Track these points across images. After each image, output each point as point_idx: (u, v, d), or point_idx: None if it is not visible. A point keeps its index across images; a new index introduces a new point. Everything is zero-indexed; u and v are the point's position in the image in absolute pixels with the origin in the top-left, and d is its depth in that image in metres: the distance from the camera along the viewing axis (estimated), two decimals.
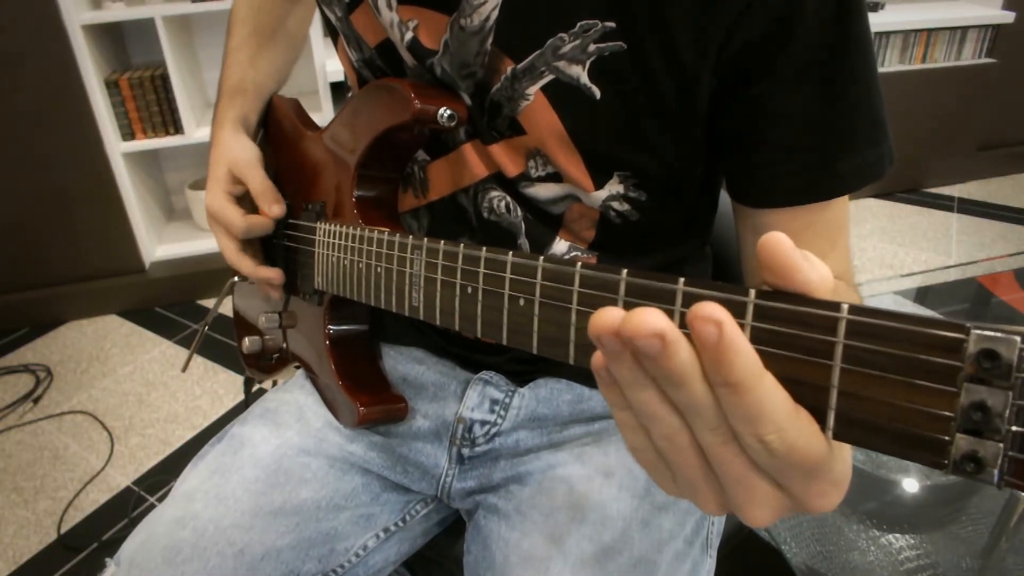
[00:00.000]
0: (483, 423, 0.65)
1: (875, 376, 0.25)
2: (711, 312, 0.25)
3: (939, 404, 0.24)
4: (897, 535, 1.30)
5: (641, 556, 0.56)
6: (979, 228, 2.55)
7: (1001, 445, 0.23)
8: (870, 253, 2.38)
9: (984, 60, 2.66)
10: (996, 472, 0.23)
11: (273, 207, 0.67)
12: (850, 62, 0.48)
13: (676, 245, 0.64)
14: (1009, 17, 2.59)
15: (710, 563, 0.62)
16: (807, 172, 0.50)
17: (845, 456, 0.29)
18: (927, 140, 2.69)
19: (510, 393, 0.65)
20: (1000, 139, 2.89)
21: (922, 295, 2.14)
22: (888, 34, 2.51)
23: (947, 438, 0.24)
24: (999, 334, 0.22)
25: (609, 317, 0.27)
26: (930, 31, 2.55)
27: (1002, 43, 2.65)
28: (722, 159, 0.55)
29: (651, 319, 0.25)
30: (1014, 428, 0.22)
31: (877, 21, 2.46)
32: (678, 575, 0.58)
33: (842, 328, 0.25)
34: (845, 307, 0.25)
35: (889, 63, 2.57)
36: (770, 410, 0.26)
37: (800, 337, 0.26)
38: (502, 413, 0.65)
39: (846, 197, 0.52)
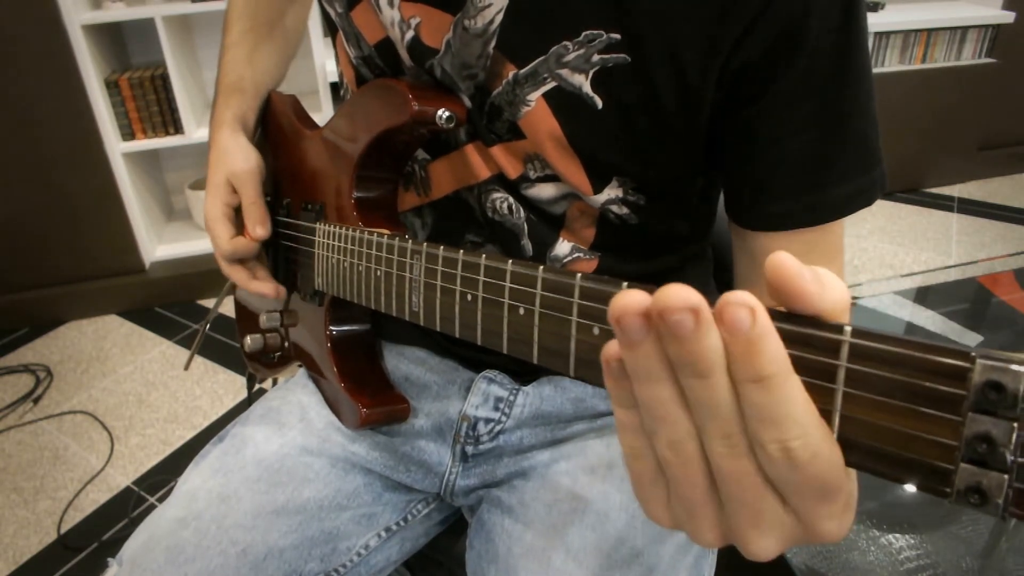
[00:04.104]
0: (487, 421, 0.65)
1: (878, 401, 0.24)
2: (744, 298, 0.23)
3: (943, 432, 0.23)
4: (897, 535, 1.30)
5: (643, 548, 0.56)
6: (979, 228, 2.55)
7: (1006, 477, 0.22)
8: (870, 253, 2.38)
9: (984, 60, 2.66)
10: (1000, 503, 0.22)
11: (257, 228, 0.66)
12: (848, 90, 0.48)
13: (676, 248, 0.65)
14: (1009, 17, 2.59)
15: (712, 558, 0.62)
16: (798, 198, 0.50)
17: (854, 477, 0.28)
18: (927, 140, 2.69)
19: (514, 391, 0.65)
20: (1000, 139, 2.89)
21: (922, 295, 2.14)
22: (888, 34, 2.51)
23: (951, 467, 0.23)
24: (1005, 365, 0.21)
25: (634, 297, 0.24)
26: (930, 31, 2.55)
27: (1002, 43, 2.65)
28: (719, 176, 0.55)
29: (686, 292, 0.23)
30: (1019, 459, 0.22)
31: (877, 21, 2.46)
32: (680, 567, 0.58)
33: (844, 351, 0.25)
34: (848, 329, 0.24)
35: (889, 63, 2.57)
36: (798, 411, 0.24)
37: (801, 359, 0.26)
38: (506, 411, 0.65)
39: (841, 220, 0.52)
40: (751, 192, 0.52)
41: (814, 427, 0.25)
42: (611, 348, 0.27)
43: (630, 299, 0.24)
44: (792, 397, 0.24)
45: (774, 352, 0.24)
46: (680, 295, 0.23)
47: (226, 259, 0.68)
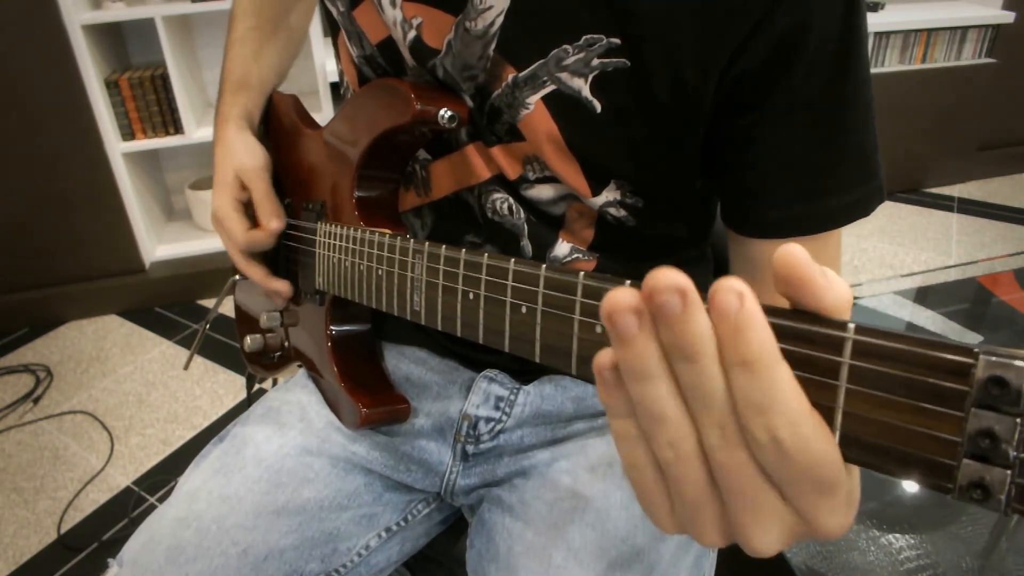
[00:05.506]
0: (488, 420, 0.65)
1: (881, 397, 0.24)
2: (733, 283, 0.24)
3: (946, 428, 0.23)
4: (897, 535, 1.30)
5: (644, 546, 0.56)
6: (979, 228, 2.55)
7: (1008, 472, 0.22)
8: (870, 253, 2.38)
9: (984, 60, 2.66)
10: (1003, 499, 0.22)
11: (272, 222, 0.66)
12: (846, 101, 0.48)
13: (675, 249, 0.65)
14: (1009, 17, 2.59)
15: (712, 557, 0.62)
16: (794, 207, 0.50)
17: (856, 474, 0.29)
18: (927, 140, 2.69)
19: (515, 390, 0.65)
20: (1000, 139, 2.89)
21: (922, 295, 2.15)
22: (888, 34, 2.51)
23: (954, 463, 0.23)
24: (1008, 361, 0.22)
25: (622, 294, 0.25)
26: (930, 31, 2.55)
27: (1002, 43, 2.65)
28: (715, 182, 0.55)
29: (674, 275, 0.24)
30: (1022, 455, 0.22)
31: (877, 21, 2.46)
32: (681, 565, 0.58)
33: (848, 348, 0.25)
34: (851, 326, 0.25)
35: (889, 63, 2.57)
36: (784, 398, 0.25)
37: (805, 355, 0.26)
38: (507, 410, 0.65)
39: (839, 229, 0.52)
40: (748, 199, 0.52)
41: (802, 417, 0.25)
42: (603, 357, 0.27)
43: (619, 296, 0.25)
44: (779, 385, 0.25)
45: (760, 338, 0.24)
46: (668, 277, 0.24)
47: (242, 251, 0.67)
